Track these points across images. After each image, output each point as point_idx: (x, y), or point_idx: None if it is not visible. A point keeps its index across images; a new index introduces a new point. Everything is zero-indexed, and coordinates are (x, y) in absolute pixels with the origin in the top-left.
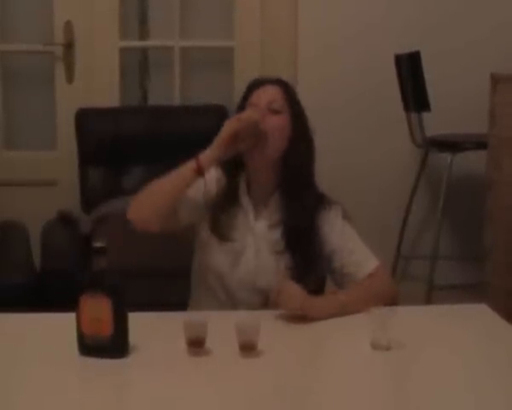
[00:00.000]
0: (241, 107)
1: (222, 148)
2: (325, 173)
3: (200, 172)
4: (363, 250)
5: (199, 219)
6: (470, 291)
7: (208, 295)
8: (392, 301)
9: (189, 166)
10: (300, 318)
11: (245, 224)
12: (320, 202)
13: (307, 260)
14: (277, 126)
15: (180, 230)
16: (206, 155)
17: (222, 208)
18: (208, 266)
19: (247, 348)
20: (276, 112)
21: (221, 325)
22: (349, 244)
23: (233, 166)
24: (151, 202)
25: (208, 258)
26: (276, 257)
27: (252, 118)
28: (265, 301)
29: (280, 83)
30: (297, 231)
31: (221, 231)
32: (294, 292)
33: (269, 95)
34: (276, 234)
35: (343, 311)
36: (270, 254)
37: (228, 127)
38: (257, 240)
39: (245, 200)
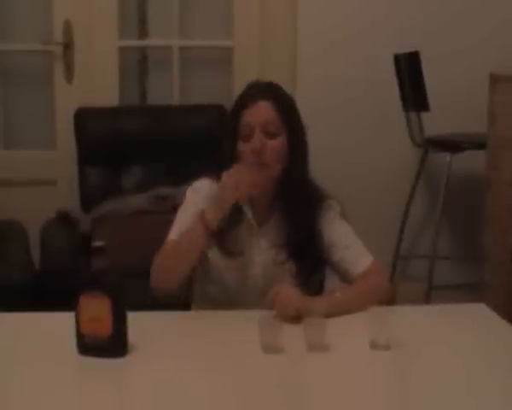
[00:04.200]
0: (235, 122)
1: (224, 209)
2: (324, 173)
3: (209, 231)
4: (358, 247)
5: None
6: (469, 291)
7: (211, 306)
8: (390, 300)
9: (198, 230)
10: (297, 318)
11: (250, 237)
12: (319, 202)
13: (312, 267)
14: (275, 152)
15: None
16: (212, 216)
17: (227, 226)
18: (214, 280)
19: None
20: (272, 135)
21: (222, 326)
22: (345, 240)
23: None
24: (174, 270)
25: (214, 273)
26: (282, 267)
27: (250, 186)
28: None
29: (272, 95)
30: (301, 240)
31: (227, 248)
32: (290, 296)
33: (263, 116)
34: (282, 244)
35: (341, 310)
36: (276, 265)
37: (228, 196)
38: (262, 252)
39: (249, 215)
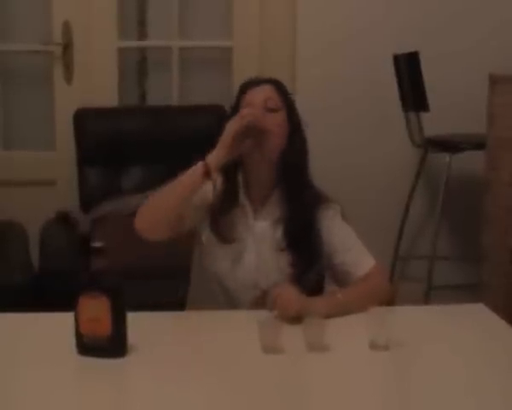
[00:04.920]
0: (236, 108)
1: (228, 149)
2: (323, 173)
3: (208, 175)
4: (360, 249)
5: (200, 221)
6: (468, 292)
7: (207, 296)
8: (389, 300)
9: (197, 171)
10: (297, 318)
11: (244, 224)
12: (318, 200)
13: (308, 258)
14: (276, 124)
15: (183, 234)
16: (214, 158)
17: (221, 210)
18: (208, 268)
19: (270, 347)
20: (272, 110)
21: (221, 326)
22: (347, 243)
23: (231, 168)
24: (160, 210)
25: (208, 259)
26: (277, 255)
27: (252, 115)
28: (264, 298)
29: (271, 81)
30: (297, 229)
31: (221, 233)
32: (291, 297)
33: (263, 93)
34: (277, 233)
35: (342, 311)
36: (270, 253)
37: (231, 127)
38: (257, 239)
39: (244, 200)
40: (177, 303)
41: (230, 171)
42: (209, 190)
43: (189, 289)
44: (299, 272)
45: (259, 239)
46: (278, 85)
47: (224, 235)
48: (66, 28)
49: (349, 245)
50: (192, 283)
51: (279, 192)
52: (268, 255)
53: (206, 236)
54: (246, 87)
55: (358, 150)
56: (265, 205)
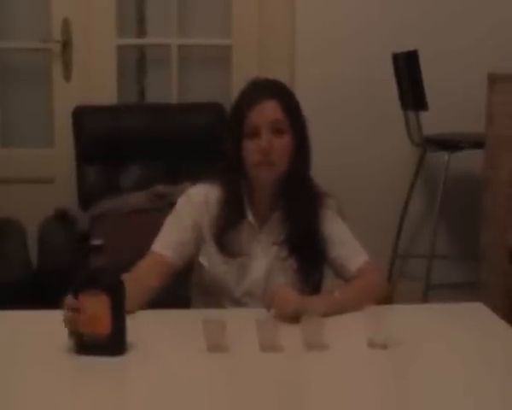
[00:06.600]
0: (240, 122)
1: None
2: (322, 172)
3: None
4: (354, 245)
5: (197, 247)
6: (467, 290)
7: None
8: (387, 299)
9: None
10: (295, 317)
11: (250, 236)
12: (318, 201)
13: (313, 262)
14: (282, 151)
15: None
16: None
17: (227, 227)
18: (215, 282)
19: (268, 346)
20: (278, 133)
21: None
22: (343, 237)
23: (234, 184)
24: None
25: (214, 273)
26: (284, 263)
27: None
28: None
29: (276, 94)
30: (302, 236)
31: (229, 250)
32: (288, 296)
33: (270, 116)
34: (281, 241)
35: (339, 309)
36: (277, 262)
37: None
38: (264, 251)
39: (249, 213)
40: (177, 301)
41: (234, 188)
42: (197, 209)
43: (188, 288)
44: (306, 276)
45: (266, 250)
46: (283, 100)
47: (231, 250)
48: (66, 26)
49: (344, 239)
50: (194, 296)
51: (283, 204)
52: (275, 264)
53: (208, 253)
54: (249, 104)
55: (357, 149)
56: (270, 217)
